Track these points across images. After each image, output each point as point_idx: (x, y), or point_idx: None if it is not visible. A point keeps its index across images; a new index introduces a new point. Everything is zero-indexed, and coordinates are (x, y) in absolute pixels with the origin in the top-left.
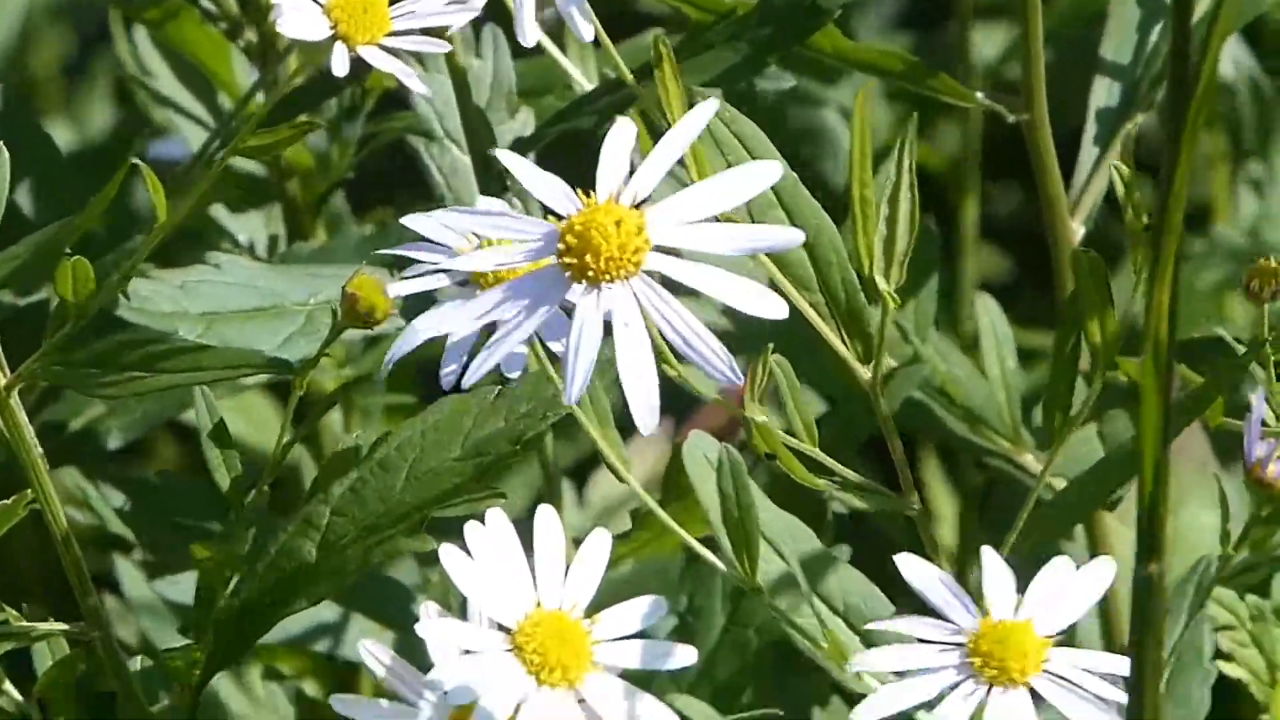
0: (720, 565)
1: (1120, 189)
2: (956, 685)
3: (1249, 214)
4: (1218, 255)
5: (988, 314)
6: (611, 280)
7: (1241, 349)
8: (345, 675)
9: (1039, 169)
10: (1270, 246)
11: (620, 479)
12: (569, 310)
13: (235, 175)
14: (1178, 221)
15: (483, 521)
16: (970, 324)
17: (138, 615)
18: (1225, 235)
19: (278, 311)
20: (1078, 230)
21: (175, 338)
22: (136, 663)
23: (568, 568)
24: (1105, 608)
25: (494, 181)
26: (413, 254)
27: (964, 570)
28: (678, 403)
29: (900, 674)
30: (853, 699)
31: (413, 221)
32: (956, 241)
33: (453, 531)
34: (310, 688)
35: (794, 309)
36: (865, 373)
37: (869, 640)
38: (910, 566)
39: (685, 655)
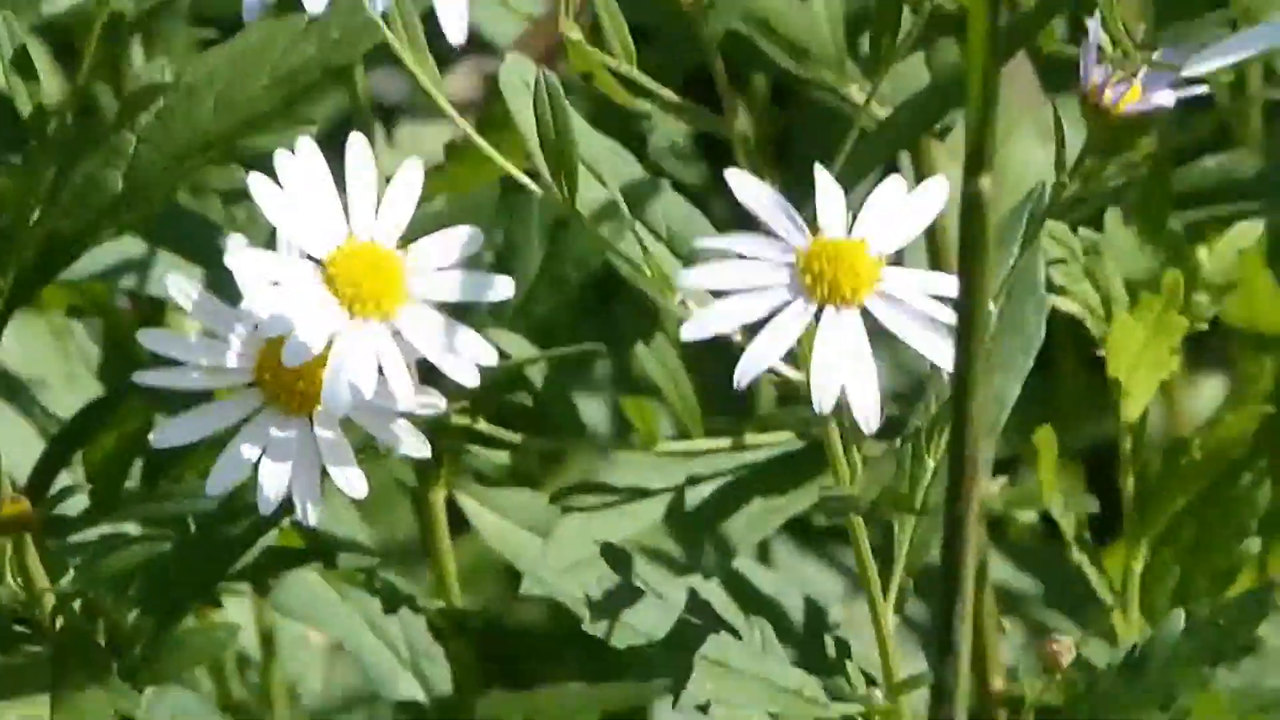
0: (539, 193)
1: None
2: (787, 304)
3: None
4: None
5: None
6: None
7: None
8: (151, 314)
9: None
10: None
11: (439, 106)
12: None
13: None
14: None
15: (292, 151)
16: None
17: None
18: None
19: None
20: None
21: None
22: None
23: (380, 202)
24: (933, 238)
25: None
26: None
27: None
28: (482, 43)
29: (728, 293)
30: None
31: None
32: None
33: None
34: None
35: None
36: None
37: (695, 260)
38: (740, 183)
39: (503, 287)
